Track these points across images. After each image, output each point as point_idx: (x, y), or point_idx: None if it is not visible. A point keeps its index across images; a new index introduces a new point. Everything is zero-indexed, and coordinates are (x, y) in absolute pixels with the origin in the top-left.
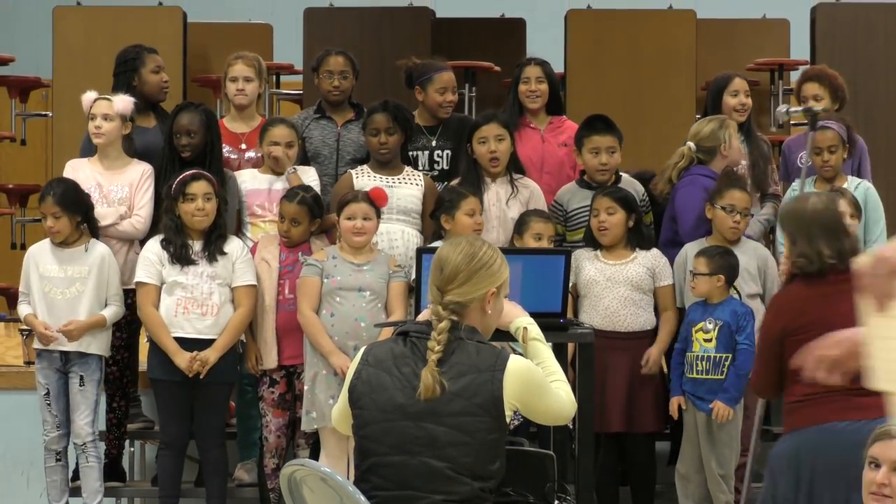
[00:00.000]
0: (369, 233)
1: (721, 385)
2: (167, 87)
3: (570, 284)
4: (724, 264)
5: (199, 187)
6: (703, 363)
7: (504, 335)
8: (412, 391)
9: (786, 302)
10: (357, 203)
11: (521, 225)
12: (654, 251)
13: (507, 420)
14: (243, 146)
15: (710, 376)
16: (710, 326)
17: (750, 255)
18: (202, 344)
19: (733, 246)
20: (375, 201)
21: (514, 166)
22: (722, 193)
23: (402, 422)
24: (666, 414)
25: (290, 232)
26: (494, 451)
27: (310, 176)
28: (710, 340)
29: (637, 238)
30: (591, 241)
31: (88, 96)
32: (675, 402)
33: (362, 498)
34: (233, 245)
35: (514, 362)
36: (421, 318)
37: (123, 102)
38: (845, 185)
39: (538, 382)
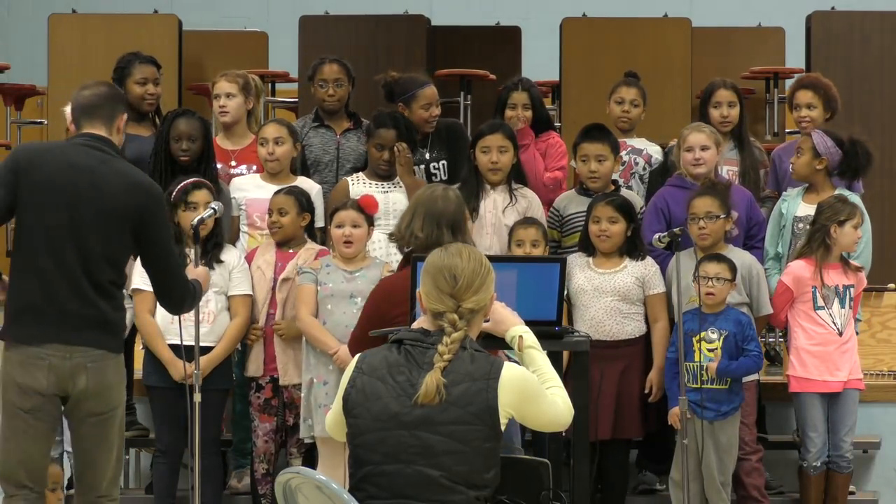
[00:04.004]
0: (358, 241)
1: (724, 394)
2: (151, 100)
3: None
4: (735, 269)
5: (202, 196)
6: (707, 373)
7: (500, 343)
8: (407, 399)
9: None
10: (345, 211)
11: (509, 234)
12: (647, 259)
13: (502, 428)
14: (233, 163)
15: (714, 386)
16: (714, 336)
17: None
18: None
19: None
20: (365, 209)
21: (516, 176)
22: (690, 202)
23: (397, 431)
24: (646, 420)
25: (278, 222)
26: (489, 460)
27: (313, 188)
28: (713, 350)
29: (630, 248)
30: (585, 247)
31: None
32: (675, 412)
33: None
34: (230, 254)
35: (509, 370)
36: (415, 326)
37: None
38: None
39: (533, 390)
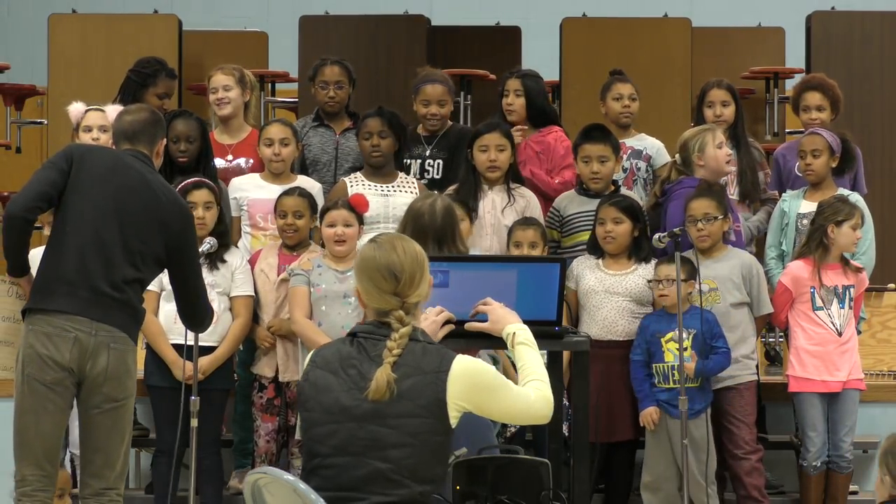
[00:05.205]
0: (351, 240)
1: (696, 392)
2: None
3: (572, 293)
4: (693, 269)
5: (201, 196)
6: (679, 373)
7: (497, 342)
8: (358, 392)
9: None
10: (337, 210)
11: (508, 235)
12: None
13: (453, 422)
14: (230, 157)
15: (686, 384)
16: (683, 336)
17: (733, 262)
18: (200, 351)
19: (718, 253)
20: (356, 208)
21: (513, 176)
22: (688, 205)
23: (348, 423)
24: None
25: (294, 224)
26: (439, 454)
27: (314, 187)
28: (685, 349)
29: (637, 249)
30: (594, 249)
31: (77, 107)
32: (649, 413)
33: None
34: (233, 255)
35: (460, 363)
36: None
37: (116, 113)
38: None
39: (487, 381)
